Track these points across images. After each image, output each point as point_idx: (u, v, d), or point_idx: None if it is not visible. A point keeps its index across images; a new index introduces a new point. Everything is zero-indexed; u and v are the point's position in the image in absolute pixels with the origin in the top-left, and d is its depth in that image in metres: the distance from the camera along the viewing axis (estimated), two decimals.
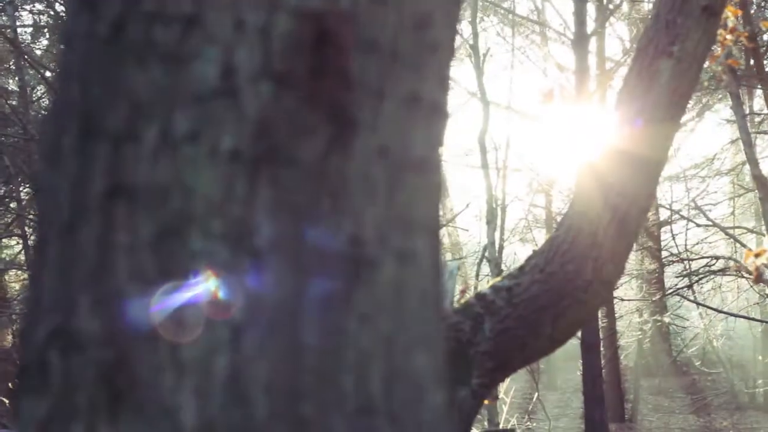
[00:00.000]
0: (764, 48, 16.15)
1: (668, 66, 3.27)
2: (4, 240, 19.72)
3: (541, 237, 24.56)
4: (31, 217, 16.60)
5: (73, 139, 0.93)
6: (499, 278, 3.54)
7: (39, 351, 0.92)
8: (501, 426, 11.91)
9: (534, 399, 15.16)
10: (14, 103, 14.04)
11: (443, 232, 27.92)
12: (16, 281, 21.69)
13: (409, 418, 0.96)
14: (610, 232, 3.28)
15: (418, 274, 0.98)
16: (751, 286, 20.35)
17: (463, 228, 27.27)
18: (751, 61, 16.19)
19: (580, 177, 3.47)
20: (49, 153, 0.96)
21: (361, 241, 0.93)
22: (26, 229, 16.82)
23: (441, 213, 1.03)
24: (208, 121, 0.89)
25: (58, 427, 0.90)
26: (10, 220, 18.95)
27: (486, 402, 12.45)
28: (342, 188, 0.92)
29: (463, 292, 3.65)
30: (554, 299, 3.30)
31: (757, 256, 5.22)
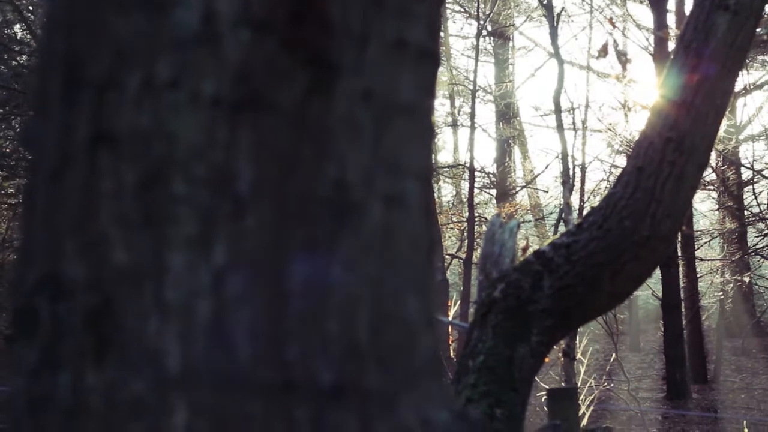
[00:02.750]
0: None
1: (725, 19, 3.23)
2: None
3: None
4: None
5: (58, 88, 0.94)
6: (557, 236, 3.53)
7: (28, 298, 0.94)
8: (578, 386, 11.86)
9: (612, 360, 15.07)
10: None
11: (523, 193, 27.87)
12: None
13: (398, 362, 0.96)
14: (667, 188, 3.25)
15: (408, 219, 0.98)
16: None
17: (543, 189, 27.20)
18: None
19: (641, 133, 3.45)
20: (36, 102, 0.97)
21: (345, 185, 0.93)
22: None
23: (434, 158, 1.02)
24: (189, 67, 0.90)
25: (46, 374, 0.91)
26: None
27: (563, 362, 12.43)
28: (324, 132, 0.92)
29: (524, 250, 3.63)
30: (612, 256, 3.29)
31: None
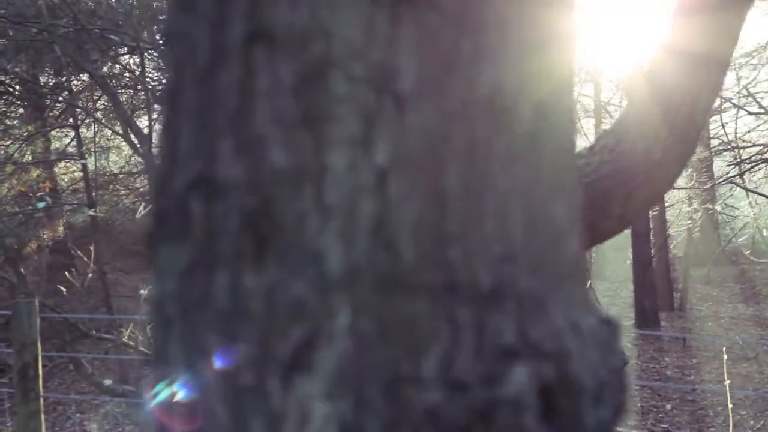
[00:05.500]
0: None
1: None
2: (52, 132, 19.77)
3: (589, 126, 24.45)
4: (80, 107, 16.62)
5: None
6: None
7: (179, 199, 0.92)
8: None
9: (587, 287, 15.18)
10: None
11: None
12: (65, 173, 21.85)
13: (547, 265, 0.95)
14: (680, 115, 3.24)
15: (554, 123, 0.97)
16: None
17: None
18: None
19: (652, 61, 3.43)
20: None
21: (500, 88, 0.91)
22: (78, 119, 16.84)
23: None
24: None
25: (201, 275, 0.90)
26: (59, 112, 19.01)
27: None
28: (482, 32, 0.90)
29: None
30: (624, 179, 3.27)
31: None
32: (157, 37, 13.00)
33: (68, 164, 21.35)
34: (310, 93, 0.87)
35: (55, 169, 20.38)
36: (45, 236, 18.99)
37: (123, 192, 20.97)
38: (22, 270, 10.71)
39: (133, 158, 21.02)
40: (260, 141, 0.87)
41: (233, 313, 0.88)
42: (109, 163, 22.46)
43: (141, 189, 20.26)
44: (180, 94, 0.94)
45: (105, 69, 15.71)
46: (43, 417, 5.64)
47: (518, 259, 0.92)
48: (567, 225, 0.98)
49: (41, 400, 5.64)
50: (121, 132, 12.34)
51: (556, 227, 0.96)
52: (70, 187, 20.76)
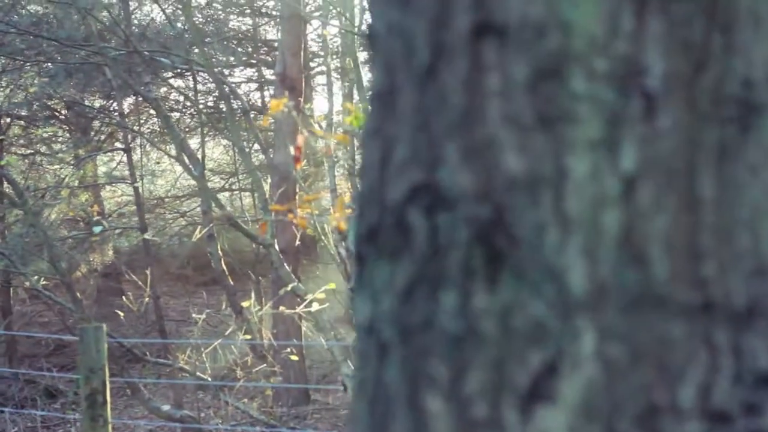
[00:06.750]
0: None
1: None
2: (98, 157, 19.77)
3: None
4: (133, 129, 16.60)
5: None
6: None
7: (395, 211, 0.83)
8: None
9: None
10: (116, 13, 13.92)
11: None
12: (111, 197, 21.85)
13: None
14: None
15: None
16: None
17: None
18: None
19: None
20: None
21: (751, 84, 0.82)
22: (128, 142, 16.83)
23: None
24: None
25: (423, 295, 0.81)
26: (104, 136, 18.99)
27: None
28: (733, 25, 0.81)
29: None
30: None
31: None
32: (209, 57, 12.94)
33: (113, 188, 21.34)
34: (546, 91, 0.78)
35: (101, 193, 20.34)
36: (95, 260, 18.97)
37: (170, 216, 20.94)
38: (78, 294, 10.65)
39: (178, 181, 21.02)
40: (492, 144, 0.79)
41: (463, 337, 0.79)
42: (156, 186, 22.48)
43: (188, 212, 20.22)
44: (394, 96, 0.85)
45: (155, 91, 15.70)
46: None
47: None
48: None
49: (109, 426, 5.57)
50: (173, 155, 12.29)
51: None
52: (116, 212, 20.73)
